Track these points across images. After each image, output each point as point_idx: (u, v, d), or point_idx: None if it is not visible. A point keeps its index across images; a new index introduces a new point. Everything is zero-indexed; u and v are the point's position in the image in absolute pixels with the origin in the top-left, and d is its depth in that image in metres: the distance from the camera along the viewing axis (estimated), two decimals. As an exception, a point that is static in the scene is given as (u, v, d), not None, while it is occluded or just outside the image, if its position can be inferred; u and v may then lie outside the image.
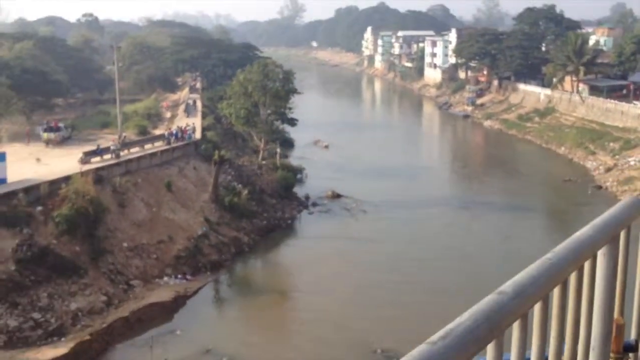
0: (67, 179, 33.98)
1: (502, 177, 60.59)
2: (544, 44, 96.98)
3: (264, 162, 53.32)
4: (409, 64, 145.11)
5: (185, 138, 47.62)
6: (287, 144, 68.64)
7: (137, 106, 62.83)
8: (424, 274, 36.21)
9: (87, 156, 39.03)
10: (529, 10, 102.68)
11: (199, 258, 35.74)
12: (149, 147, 44.40)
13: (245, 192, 44.71)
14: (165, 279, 33.13)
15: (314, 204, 49.70)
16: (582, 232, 2.30)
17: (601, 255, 2.44)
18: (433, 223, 46.37)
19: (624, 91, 74.47)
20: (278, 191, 49.00)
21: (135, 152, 42.79)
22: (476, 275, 36.21)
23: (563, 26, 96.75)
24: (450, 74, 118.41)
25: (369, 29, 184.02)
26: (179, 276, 33.64)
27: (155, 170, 41.11)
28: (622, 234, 2.58)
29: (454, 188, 59.25)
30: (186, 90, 79.86)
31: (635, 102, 68.79)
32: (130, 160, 40.16)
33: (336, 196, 51.10)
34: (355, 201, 49.67)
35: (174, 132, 47.70)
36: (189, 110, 62.16)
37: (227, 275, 36.38)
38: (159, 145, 45.05)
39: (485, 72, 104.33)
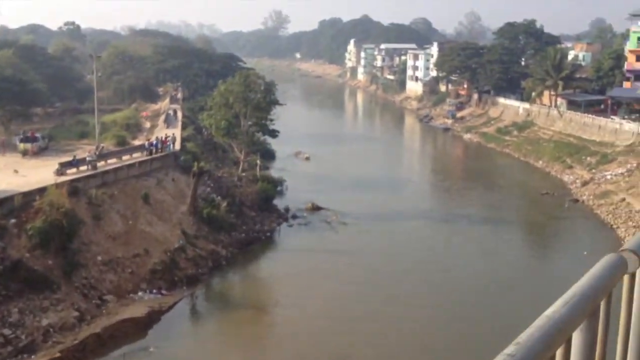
0: (41, 190, 33.50)
1: (482, 190, 60.89)
2: (523, 59, 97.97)
3: (244, 173, 53.09)
4: (391, 77, 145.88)
5: (165, 149, 47.26)
6: (268, 155, 68.45)
7: (116, 116, 62.35)
8: (403, 288, 36.15)
9: (62, 167, 38.54)
10: (510, 25, 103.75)
11: (175, 272, 35.33)
12: (126, 158, 43.95)
13: (225, 204, 44.45)
14: (140, 293, 32.69)
15: (294, 216, 49.53)
16: (554, 311, 1.81)
17: (577, 336, 1.95)
18: (413, 236, 46.41)
19: (602, 106, 75.40)
20: (258, 203, 48.77)
21: (112, 163, 42.34)
22: (454, 289, 36.28)
23: (543, 41, 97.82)
24: (431, 87, 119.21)
25: (352, 41, 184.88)
26: (154, 291, 33.22)
27: (132, 182, 40.69)
28: (602, 305, 2.05)
29: (434, 201, 59.43)
30: (167, 100, 79.44)
31: (612, 117, 69.62)
32: (107, 172, 39.71)
33: (316, 208, 50.99)
34: (335, 213, 49.60)
35: (154, 142, 47.33)
36: (169, 121, 61.79)
37: (203, 289, 36.00)
38: (137, 156, 44.63)
39: (465, 86, 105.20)
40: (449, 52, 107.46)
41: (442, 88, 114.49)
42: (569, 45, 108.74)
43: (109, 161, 42.51)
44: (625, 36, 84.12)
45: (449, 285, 36.89)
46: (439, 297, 34.85)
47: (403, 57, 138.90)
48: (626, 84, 73.24)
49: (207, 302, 35.34)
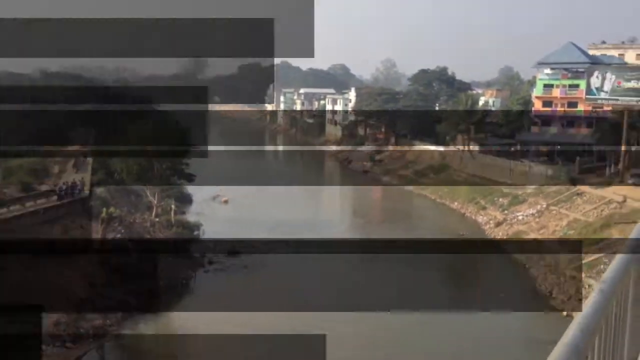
0: None
1: (401, 231, 61.26)
2: (437, 104, 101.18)
3: (157, 219, 51.29)
4: (310, 120, 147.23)
5: (74, 194, 45.08)
6: (184, 199, 66.84)
7: (22, 160, 59.21)
8: (323, 331, 35.23)
9: (-42, 215, 35.93)
10: (423, 71, 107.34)
11: (81, 324, 33.17)
12: (31, 205, 41.52)
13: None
14: (43, 347, 30.38)
15: (210, 262, 48.06)
16: None
17: None
18: (334, 279, 45.81)
19: (512, 149, 78.33)
20: (172, 249, 47.02)
21: (15, 210, 39.85)
22: (374, 330, 35.79)
23: (455, 87, 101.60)
24: (350, 130, 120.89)
25: (272, 85, 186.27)
26: (57, 344, 30.97)
27: (36, 230, 38.32)
28: None
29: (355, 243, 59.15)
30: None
31: (522, 159, 72.39)
32: (6, 220, 37.26)
33: (234, 253, 49.72)
34: (253, 257, 48.45)
35: (63, 187, 45.12)
36: (79, 165, 59.30)
37: (112, 342, 33.92)
38: (42, 202, 42.28)
39: (383, 130, 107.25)
40: (367, 97, 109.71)
41: (361, 132, 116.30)
42: (480, 91, 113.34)
43: (11, 208, 40.01)
44: (532, 83, 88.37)
45: (369, 326, 36.36)
46: (360, 339, 34.19)
47: (322, 102, 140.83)
48: (534, 129, 76.63)
49: (115, 355, 33.25)
